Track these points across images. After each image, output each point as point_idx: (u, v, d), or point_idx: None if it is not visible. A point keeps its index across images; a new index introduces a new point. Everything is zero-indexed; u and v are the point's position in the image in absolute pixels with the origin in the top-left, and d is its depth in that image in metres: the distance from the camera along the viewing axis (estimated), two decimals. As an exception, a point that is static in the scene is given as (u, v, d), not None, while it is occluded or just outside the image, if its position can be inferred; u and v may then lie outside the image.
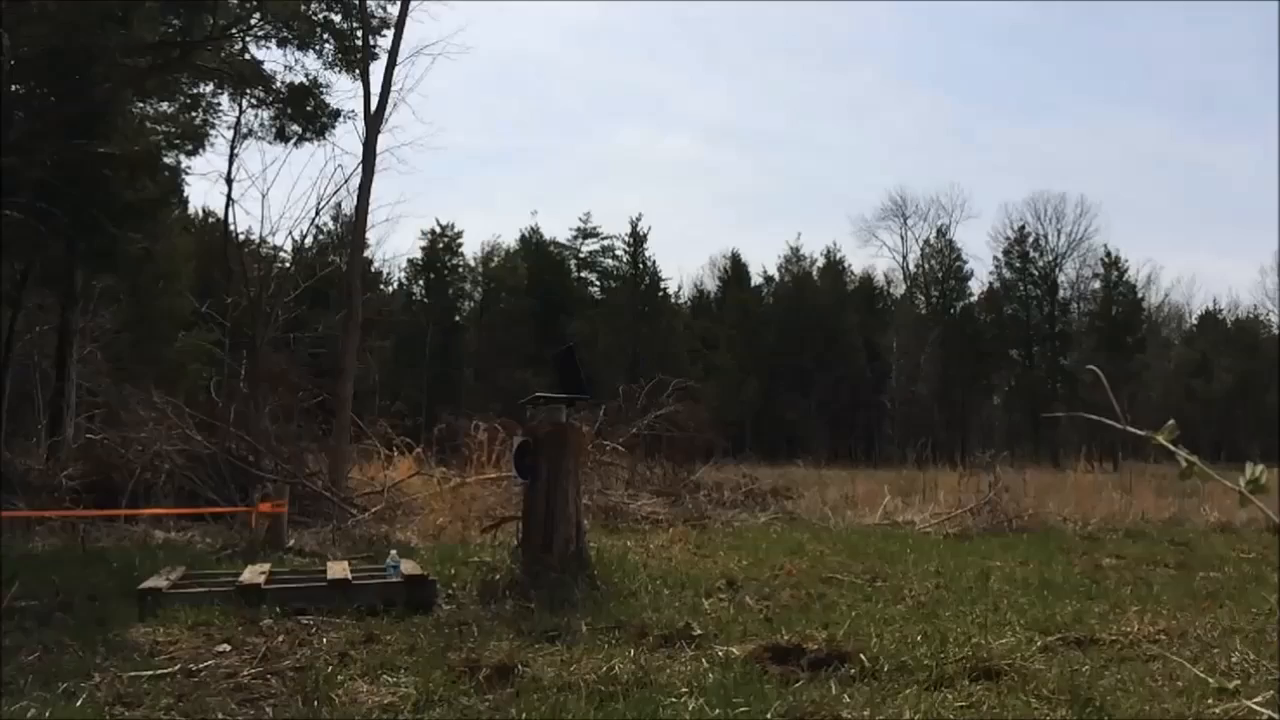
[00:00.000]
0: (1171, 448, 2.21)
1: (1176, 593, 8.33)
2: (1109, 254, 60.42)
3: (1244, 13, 60.95)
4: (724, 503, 16.49)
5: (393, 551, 8.49)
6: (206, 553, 10.35)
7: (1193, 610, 7.40)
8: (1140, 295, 61.63)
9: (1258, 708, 4.53)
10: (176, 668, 5.36)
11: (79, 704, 4.68)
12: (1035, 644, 6.14)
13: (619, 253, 64.96)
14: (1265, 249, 75.89)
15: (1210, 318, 65.01)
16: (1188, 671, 5.43)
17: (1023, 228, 61.92)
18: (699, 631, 6.35)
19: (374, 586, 7.49)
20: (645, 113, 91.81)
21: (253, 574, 7.76)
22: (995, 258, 62.92)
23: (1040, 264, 61.55)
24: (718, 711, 4.59)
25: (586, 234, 65.23)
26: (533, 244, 64.98)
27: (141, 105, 20.35)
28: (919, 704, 4.79)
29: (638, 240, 63.92)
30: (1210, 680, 5.21)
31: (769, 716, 4.51)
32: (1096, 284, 61.56)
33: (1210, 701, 4.79)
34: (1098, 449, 22.36)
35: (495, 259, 64.72)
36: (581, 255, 65.67)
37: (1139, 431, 2.30)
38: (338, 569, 7.94)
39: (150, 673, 5.23)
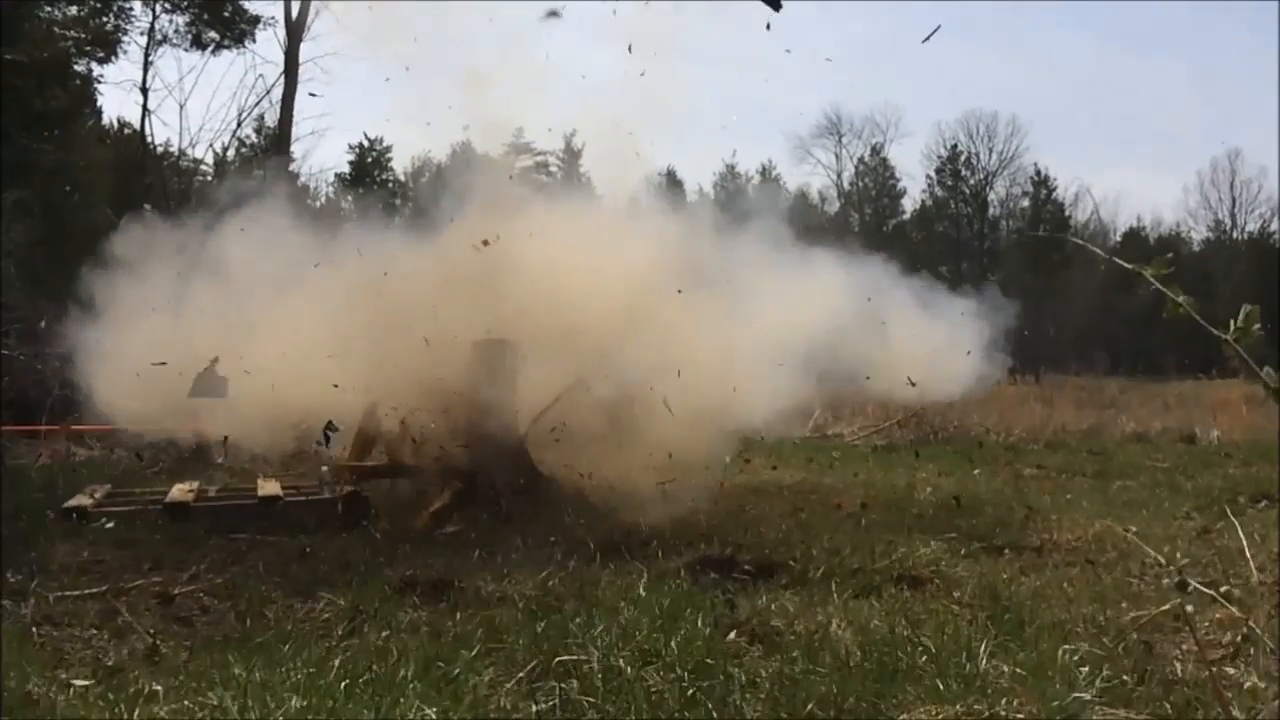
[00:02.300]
0: (1163, 289, 2.23)
1: (1094, 501, 8.62)
2: (1038, 172, 61.10)
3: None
4: (658, 418, 16.50)
5: (324, 469, 8.38)
6: (133, 470, 10.15)
7: (1109, 518, 7.66)
8: (1068, 214, 62.55)
9: (1168, 613, 4.71)
10: (105, 586, 5.28)
11: (4, 623, 4.60)
12: (959, 552, 6.33)
13: (553, 169, 64.04)
14: (1189, 168, 77.45)
15: (1134, 235, 66.30)
16: (1103, 578, 5.65)
17: (955, 146, 62.21)
18: (634, 545, 6.42)
19: (307, 504, 7.42)
20: (580, 26, 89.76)
21: (180, 492, 7.65)
22: (928, 176, 63.22)
23: (971, 182, 62.08)
24: (650, 623, 4.65)
25: (520, 149, 64.10)
26: (464, 160, 63.65)
27: (49, 9, 19.32)
28: (846, 610, 4.91)
29: (573, 156, 63.03)
30: (1125, 586, 5.42)
31: (701, 626, 4.58)
32: (1025, 202, 62.35)
33: (1125, 605, 4.98)
34: (1021, 364, 22.85)
35: (426, 174, 63.44)
36: (514, 174, 64.49)
37: (1127, 265, 2.32)
38: (269, 486, 7.85)
39: (78, 592, 5.14)
